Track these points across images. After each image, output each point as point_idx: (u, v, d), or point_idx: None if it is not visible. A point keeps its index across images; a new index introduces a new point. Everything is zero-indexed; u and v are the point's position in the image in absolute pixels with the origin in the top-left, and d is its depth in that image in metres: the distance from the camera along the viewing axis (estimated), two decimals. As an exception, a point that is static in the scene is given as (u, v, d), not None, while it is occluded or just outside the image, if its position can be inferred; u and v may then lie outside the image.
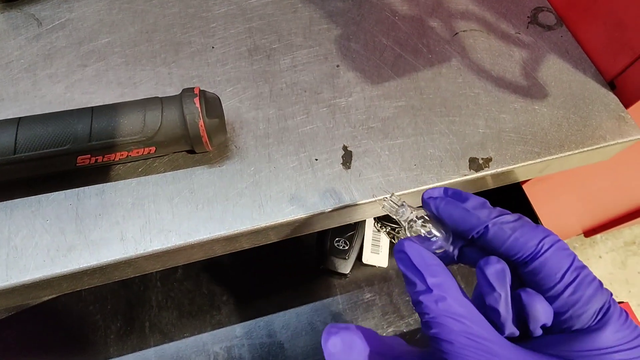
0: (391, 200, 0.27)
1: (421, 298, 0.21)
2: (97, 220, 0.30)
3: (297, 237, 0.51)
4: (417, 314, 0.46)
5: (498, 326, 0.22)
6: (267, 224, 0.31)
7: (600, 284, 0.22)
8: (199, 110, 0.29)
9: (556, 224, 1.01)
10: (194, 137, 0.29)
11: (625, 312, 0.22)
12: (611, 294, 0.22)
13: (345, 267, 0.48)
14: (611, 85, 0.40)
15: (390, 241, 0.51)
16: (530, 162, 0.35)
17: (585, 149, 0.36)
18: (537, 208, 0.71)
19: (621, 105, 0.38)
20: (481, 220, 0.23)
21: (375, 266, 0.49)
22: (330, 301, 0.47)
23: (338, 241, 0.49)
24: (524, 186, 0.56)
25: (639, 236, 1.58)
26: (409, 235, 0.25)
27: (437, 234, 0.25)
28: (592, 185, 0.72)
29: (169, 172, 0.32)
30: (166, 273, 0.47)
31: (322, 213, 0.32)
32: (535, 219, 0.48)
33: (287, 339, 0.45)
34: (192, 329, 0.45)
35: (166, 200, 0.31)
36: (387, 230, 0.51)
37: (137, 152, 0.29)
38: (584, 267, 0.22)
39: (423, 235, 0.25)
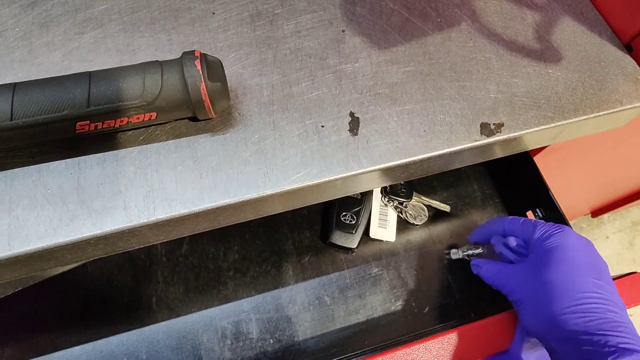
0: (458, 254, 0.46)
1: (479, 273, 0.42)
2: (100, 189, 0.29)
3: (304, 212, 0.50)
4: (424, 288, 0.46)
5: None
6: (273, 192, 0.30)
7: (529, 219, 0.40)
8: (200, 73, 0.28)
9: (564, 202, 1.00)
10: (196, 102, 0.28)
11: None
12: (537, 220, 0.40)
13: (352, 241, 0.47)
14: (628, 48, 0.38)
15: (398, 215, 0.50)
16: (544, 126, 0.34)
17: (601, 113, 0.35)
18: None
19: (638, 68, 0.37)
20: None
21: (382, 241, 0.49)
22: (338, 275, 0.47)
23: (345, 215, 0.48)
24: (535, 158, 0.55)
25: (646, 216, 1.56)
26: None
27: (480, 250, 0.45)
28: (601, 159, 0.71)
29: (172, 140, 0.31)
30: (171, 248, 0.47)
31: (329, 181, 0.31)
32: (546, 190, 0.47)
33: (294, 313, 0.45)
34: (199, 304, 0.44)
35: (169, 169, 0.30)
36: (395, 204, 0.50)
37: (138, 118, 0.28)
38: (520, 218, 0.41)
39: (476, 254, 0.46)
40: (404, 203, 0.49)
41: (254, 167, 0.30)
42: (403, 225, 0.50)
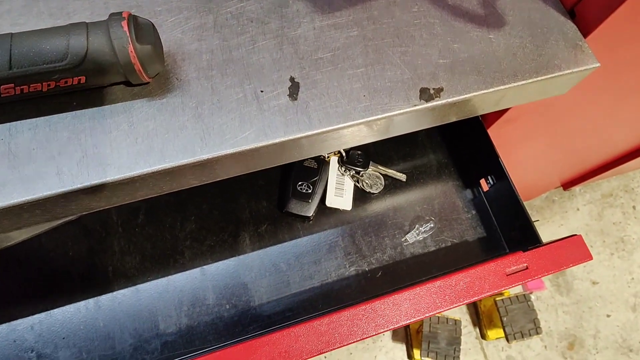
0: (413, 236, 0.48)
1: None
2: (32, 154, 0.29)
3: (261, 182, 0.50)
4: (377, 254, 0.47)
5: None
6: (210, 157, 0.30)
7: None
8: (128, 35, 0.27)
9: (530, 174, 1.02)
10: (125, 65, 0.28)
11: None
12: None
13: (308, 210, 0.48)
14: (571, 13, 0.38)
15: (355, 184, 0.51)
16: (483, 91, 0.34)
17: (539, 78, 0.35)
18: (506, 154, 0.71)
19: (579, 33, 0.37)
20: None
21: (339, 209, 0.50)
22: (294, 243, 0.48)
23: (301, 185, 0.48)
24: (489, 130, 0.56)
25: (616, 188, 1.61)
26: None
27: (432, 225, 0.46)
28: (566, 131, 0.72)
29: (107, 106, 0.31)
30: (127, 219, 0.47)
31: (267, 146, 0.31)
32: (496, 158, 0.48)
33: (250, 280, 0.46)
34: (155, 273, 0.45)
35: (104, 134, 0.30)
36: (352, 173, 0.50)
37: (66, 82, 0.28)
38: None
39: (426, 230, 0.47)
40: (361, 172, 0.50)
41: (190, 132, 0.30)
42: (360, 194, 0.51)
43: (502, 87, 0.35)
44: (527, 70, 0.35)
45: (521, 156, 0.80)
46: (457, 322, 1.20)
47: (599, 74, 0.44)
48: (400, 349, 1.31)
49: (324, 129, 0.32)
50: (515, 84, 0.35)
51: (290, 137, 0.31)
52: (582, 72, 0.36)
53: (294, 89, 0.33)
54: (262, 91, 0.32)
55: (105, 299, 0.44)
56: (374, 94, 0.33)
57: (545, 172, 1.13)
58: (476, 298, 0.41)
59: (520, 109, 0.52)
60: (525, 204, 1.61)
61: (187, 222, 0.48)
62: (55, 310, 0.43)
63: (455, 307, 0.41)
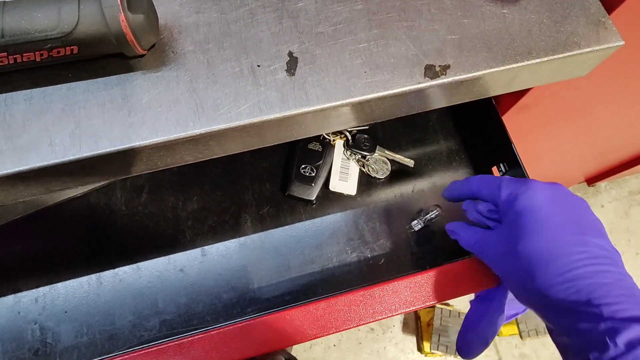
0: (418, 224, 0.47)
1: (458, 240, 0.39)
2: (26, 125, 0.29)
3: (265, 164, 0.50)
4: (381, 241, 0.46)
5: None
6: (202, 131, 0.29)
7: (495, 177, 0.37)
8: (119, 3, 0.26)
9: (551, 166, 0.98)
10: (117, 35, 0.27)
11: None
12: (503, 177, 0.38)
13: (311, 193, 0.47)
14: (595, -13, 0.36)
15: (360, 169, 0.49)
16: (493, 69, 0.32)
17: (556, 57, 0.33)
18: (523, 144, 0.68)
19: (602, 9, 0.34)
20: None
21: (343, 194, 0.48)
22: (296, 227, 0.47)
23: (304, 168, 0.47)
24: (505, 116, 0.53)
25: (645, 185, 1.54)
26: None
27: (436, 212, 0.46)
28: (591, 122, 0.68)
29: (101, 78, 0.30)
30: (130, 197, 0.47)
31: (263, 122, 0.30)
32: (509, 145, 0.46)
33: (250, 262, 0.45)
34: (156, 252, 0.45)
35: (97, 107, 0.29)
36: (357, 158, 0.49)
37: (59, 52, 0.27)
38: (486, 178, 0.38)
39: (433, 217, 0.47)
40: (367, 157, 0.49)
41: (184, 106, 0.30)
42: (365, 179, 0.49)
43: (514, 65, 0.32)
44: (543, 47, 0.33)
45: (540, 146, 0.76)
46: (469, 317, 1.18)
47: (625, 55, 0.41)
48: (411, 340, 1.30)
49: (322, 106, 0.30)
50: (528, 62, 0.33)
51: (286, 114, 0.30)
52: (605, 50, 0.34)
53: (292, 64, 0.31)
54: (258, 65, 0.31)
55: (107, 275, 0.44)
56: (376, 71, 0.32)
57: (567, 165, 1.08)
58: (482, 289, 0.40)
59: (539, 93, 0.49)
60: (546, 198, 1.54)
61: (189, 202, 0.47)
62: (58, 284, 0.43)
63: (460, 297, 0.39)
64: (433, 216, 0.45)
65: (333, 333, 0.37)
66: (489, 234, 0.36)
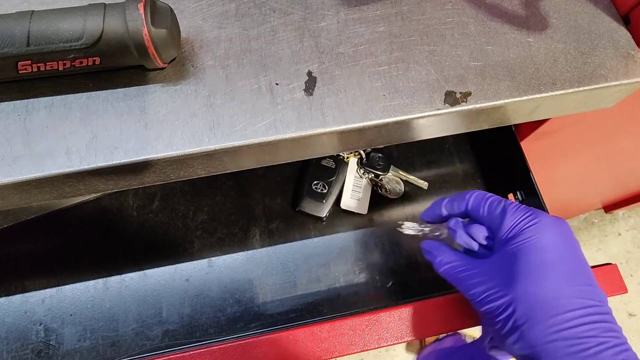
0: (412, 230, 0.40)
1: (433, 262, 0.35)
2: (45, 132, 0.29)
3: (278, 179, 0.50)
4: (390, 263, 0.45)
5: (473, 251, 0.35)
6: (217, 147, 0.29)
7: (499, 200, 0.33)
8: (143, 17, 0.27)
9: (568, 192, 0.96)
10: (139, 48, 0.27)
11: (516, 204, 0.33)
12: (507, 200, 0.33)
13: (322, 210, 0.46)
14: (625, 20, 0.35)
15: (373, 188, 0.49)
16: (515, 99, 0.31)
17: (581, 89, 0.32)
18: (541, 169, 0.67)
19: (632, 42, 0.34)
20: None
21: (354, 212, 0.48)
22: (304, 243, 0.46)
23: (317, 184, 0.47)
24: (524, 142, 0.52)
25: (666, 215, 1.49)
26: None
27: (438, 232, 0.39)
28: (610, 149, 0.67)
29: (121, 89, 0.30)
30: (142, 204, 0.47)
31: (278, 140, 0.30)
32: (527, 173, 0.45)
33: (256, 277, 0.45)
34: (164, 260, 0.45)
35: (115, 117, 0.30)
36: (370, 177, 0.49)
37: (81, 62, 0.28)
38: (488, 197, 0.34)
39: (433, 235, 0.39)
40: (380, 176, 0.48)
41: (201, 121, 0.30)
42: (377, 198, 0.49)
43: (537, 95, 0.32)
44: (568, 78, 0.32)
45: (558, 172, 0.74)
46: (474, 339, 1.15)
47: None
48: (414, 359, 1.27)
49: (338, 128, 0.30)
50: (552, 94, 0.32)
51: (302, 134, 0.30)
52: (633, 85, 0.33)
53: (310, 84, 0.31)
54: (277, 84, 0.31)
55: (113, 280, 0.44)
56: (395, 94, 0.31)
57: (585, 192, 1.06)
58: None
59: (561, 121, 0.48)
60: (561, 223, 1.50)
61: (199, 212, 0.47)
62: (65, 286, 0.44)
63: (470, 327, 0.38)
64: (435, 234, 0.39)
65: (337, 357, 0.36)
66: (476, 263, 0.32)
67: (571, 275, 0.29)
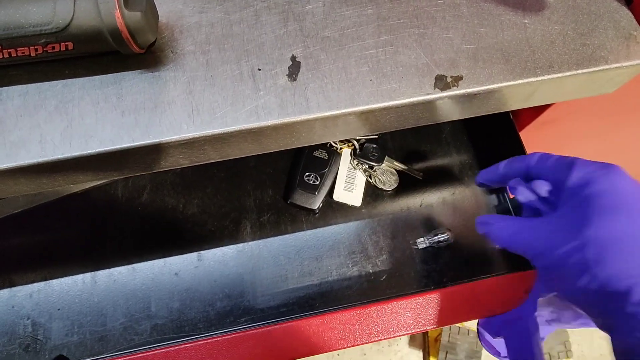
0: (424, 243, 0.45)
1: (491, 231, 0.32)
2: (18, 121, 0.28)
3: (270, 170, 0.48)
4: (384, 256, 0.44)
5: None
6: (197, 135, 0.28)
7: (565, 157, 0.31)
8: (115, 0, 0.25)
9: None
10: (112, 32, 0.26)
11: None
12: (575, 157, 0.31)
13: (314, 202, 0.45)
14: (627, 0, 0.33)
15: (366, 180, 0.47)
16: (509, 82, 0.30)
17: (580, 72, 0.30)
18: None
19: (634, 22, 0.32)
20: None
21: (348, 204, 0.47)
22: (296, 236, 0.45)
23: (309, 176, 0.46)
24: (524, 131, 0.51)
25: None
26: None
27: (446, 236, 0.45)
28: (613, 137, 0.65)
29: (97, 76, 0.29)
30: (132, 197, 0.47)
31: (260, 128, 0.29)
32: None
33: (247, 270, 0.44)
34: (153, 254, 0.44)
35: (91, 105, 0.29)
36: (364, 168, 0.47)
37: (53, 48, 0.27)
38: (552, 155, 0.32)
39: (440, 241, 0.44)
40: (374, 167, 0.47)
41: (179, 108, 0.29)
42: (371, 190, 0.47)
43: (533, 79, 0.30)
44: (566, 61, 0.30)
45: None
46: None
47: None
48: (417, 355, 1.26)
49: (322, 114, 0.29)
50: (549, 77, 0.30)
51: (284, 120, 0.29)
52: (635, 67, 0.31)
53: (294, 69, 0.30)
54: (259, 69, 0.30)
55: (102, 274, 0.43)
56: (383, 79, 0.30)
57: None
58: (489, 314, 0.37)
59: (562, 109, 0.46)
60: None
61: (189, 205, 0.46)
62: (53, 281, 0.43)
63: (465, 321, 0.37)
64: (442, 239, 0.43)
65: (326, 352, 0.35)
66: (538, 221, 0.30)
67: None
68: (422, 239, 0.44)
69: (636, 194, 0.27)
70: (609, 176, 0.28)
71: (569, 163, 0.30)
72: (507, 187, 0.34)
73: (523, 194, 0.32)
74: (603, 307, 0.26)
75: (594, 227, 0.26)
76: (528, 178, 0.33)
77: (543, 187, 0.31)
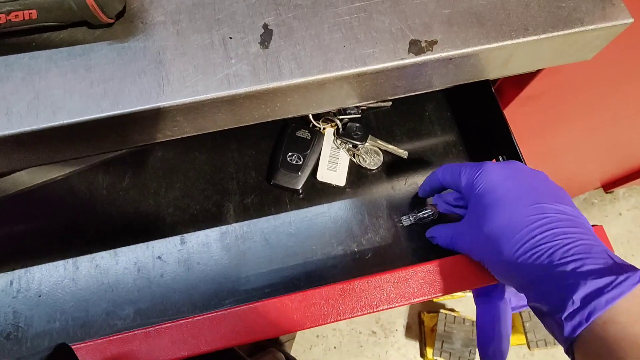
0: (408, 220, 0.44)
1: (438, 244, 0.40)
2: (-16, 94, 0.27)
3: (252, 152, 0.48)
4: (369, 235, 0.43)
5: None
6: (167, 105, 0.28)
7: (457, 165, 0.37)
8: (78, -36, 0.25)
9: (563, 168, 0.94)
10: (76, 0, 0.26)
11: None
12: (464, 163, 0.37)
13: (297, 183, 0.45)
14: (603, -39, 0.33)
15: (350, 159, 0.47)
16: (484, 46, 0.30)
17: (555, 34, 0.30)
18: (529, 140, 0.65)
19: (610, -17, 0.31)
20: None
21: (332, 184, 0.46)
22: (280, 217, 0.45)
23: (291, 156, 0.45)
24: (508, 108, 0.50)
25: (667, 194, 1.47)
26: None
27: (430, 211, 0.43)
28: (599, 113, 0.64)
29: (65, 48, 0.29)
30: (113, 182, 0.46)
31: (230, 96, 0.28)
32: (509, 136, 0.43)
33: (231, 253, 0.43)
34: (135, 238, 0.44)
35: (59, 76, 0.28)
36: (348, 147, 0.47)
37: (17, 16, 0.26)
38: (449, 166, 0.38)
39: (427, 216, 0.44)
40: (358, 146, 0.46)
41: (149, 78, 0.28)
42: (355, 169, 0.47)
43: (508, 42, 0.30)
44: (541, 23, 0.30)
45: (549, 145, 0.72)
46: (474, 323, 1.13)
47: (637, 36, 0.38)
48: (414, 346, 1.26)
49: (295, 81, 0.28)
50: (524, 39, 0.30)
51: (257, 88, 0.28)
52: (610, 29, 0.31)
53: (266, 37, 0.29)
54: (231, 38, 0.29)
55: (83, 260, 0.43)
56: (356, 45, 0.29)
57: (581, 169, 1.03)
58: (473, 286, 0.37)
59: (545, 82, 0.46)
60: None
61: (171, 189, 0.46)
62: (34, 267, 0.42)
63: (448, 294, 0.36)
64: (426, 215, 0.43)
65: (309, 328, 0.34)
66: (460, 225, 0.37)
67: (520, 202, 0.31)
68: (406, 217, 0.43)
69: (508, 185, 0.33)
70: (483, 175, 0.34)
71: (458, 171, 0.36)
72: (432, 202, 0.43)
73: (442, 206, 0.41)
74: (513, 273, 0.31)
75: (486, 226, 0.32)
76: (442, 189, 0.40)
77: (451, 197, 0.40)
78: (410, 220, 0.43)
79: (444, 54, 0.29)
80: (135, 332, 0.34)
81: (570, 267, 0.28)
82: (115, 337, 0.33)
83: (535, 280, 0.29)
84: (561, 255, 0.28)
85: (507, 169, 0.34)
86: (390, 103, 0.49)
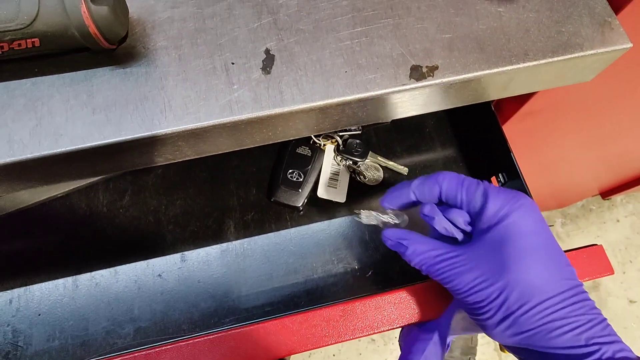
0: (371, 219, 0.36)
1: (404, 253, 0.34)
2: (-14, 121, 0.27)
3: (253, 169, 0.48)
4: (369, 252, 0.43)
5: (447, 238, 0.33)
6: (169, 131, 0.28)
7: (476, 182, 0.32)
8: (81, -7, 0.25)
9: (562, 177, 0.94)
10: (79, 28, 0.26)
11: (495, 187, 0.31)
12: (485, 182, 0.32)
13: (297, 200, 0.45)
14: (601, -14, 0.33)
15: (350, 176, 0.47)
16: (485, 71, 0.30)
17: (555, 59, 0.30)
18: (529, 153, 0.65)
19: (609, 8, 0.32)
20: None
21: (332, 201, 0.46)
22: (280, 234, 0.45)
23: (292, 173, 0.45)
24: (507, 124, 0.51)
25: (665, 200, 1.47)
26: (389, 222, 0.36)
27: (398, 220, 0.36)
28: (597, 127, 0.65)
29: (67, 74, 0.29)
30: (113, 199, 0.46)
31: (234, 122, 0.28)
32: (509, 154, 0.43)
33: (231, 270, 0.43)
34: (135, 256, 0.43)
35: (61, 103, 0.28)
36: (348, 164, 0.47)
37: (19, 45, 0.26)
38: (463, 180, 0.32)
39: (393, 223, 0.36)
40: (358, 163, 0.46)
41: (151, 104, 0.28)
42: (356, 186, 0.47)
43: (508, 67, 0.30)
44: (541, 49, 0.30)
45: (548, 157, 0.73)
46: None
47: (635, 59, 0.38)
48: (413, 354, 1.26)
49: (297, 107, 0.28)
50: (524, 65, 0.30)
51: (259, 114, 0.28)
52: (610, 53, 0.31)
53: (268, 62, 0.30)
54: (233, 63, 0.29)
55: (83, 278, 0.43)
56: (358, 71, 0.29)
57: (579, 177, 1.04)
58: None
59: (544, 99, 0.46)
60: (559, 211, 1.49)
61: (172, 206, 0.46)
62: (34, 286, 0.42)
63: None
64: (395, 222, 0.35)
65: (310, 350, 0.34)
66: (458, 250, 0.30)
67: (554, 257, 0.29)
68: (368, 212, 0.36)
69: (544, 234, 0.29)
70: (521, 212, 0.29)
71: (482, 194, 0.30)
72: (421, 213, 0.33)
73: (440, 224, 0.32)
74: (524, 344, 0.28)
75: (513, 272, 0.28)
76: (441, 202, 0.33)
77: (460, 219, 0.31)
78: (373, 220, 0.36)
79: (445, 80, 0.29)
80: (135, 353, 0.33)
81: (612, 349, 0.26)
82: (115, 358, 0.33)
83: (562, 352, 0.27)
84: (600, 330, 0.27)
85: (539, 212, 0.30)
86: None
